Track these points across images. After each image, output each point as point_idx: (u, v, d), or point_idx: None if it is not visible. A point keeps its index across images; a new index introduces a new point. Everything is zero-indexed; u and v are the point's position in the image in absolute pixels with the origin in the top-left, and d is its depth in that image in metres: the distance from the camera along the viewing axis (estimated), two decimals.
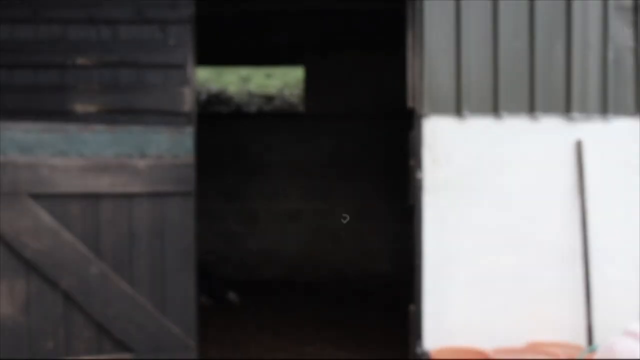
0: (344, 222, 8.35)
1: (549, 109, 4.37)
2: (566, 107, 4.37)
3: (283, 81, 11.31)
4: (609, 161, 4.39)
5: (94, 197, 3.92)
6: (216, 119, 9.11)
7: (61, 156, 3.87)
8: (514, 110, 4.36)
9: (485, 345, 4.26)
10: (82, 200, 3.90)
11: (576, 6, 4.36)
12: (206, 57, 7.12)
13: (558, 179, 4.38)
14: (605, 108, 4.37)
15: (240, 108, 10.53)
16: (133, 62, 4.18)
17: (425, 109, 4.34)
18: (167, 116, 4.16)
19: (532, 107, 4.36)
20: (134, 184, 3.99)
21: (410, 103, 4.39)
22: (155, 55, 4.19)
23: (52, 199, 3.84)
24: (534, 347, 4.26)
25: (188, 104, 4.20)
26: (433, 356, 4.25)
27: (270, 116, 9.95)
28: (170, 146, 4.07)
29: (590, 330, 4.23)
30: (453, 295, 4.37)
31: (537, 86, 4.36)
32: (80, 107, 4.13)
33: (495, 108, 4.35)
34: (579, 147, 4.36)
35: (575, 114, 4.36)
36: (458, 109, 4.34)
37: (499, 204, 4.38)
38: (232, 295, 7.21)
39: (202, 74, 10.77)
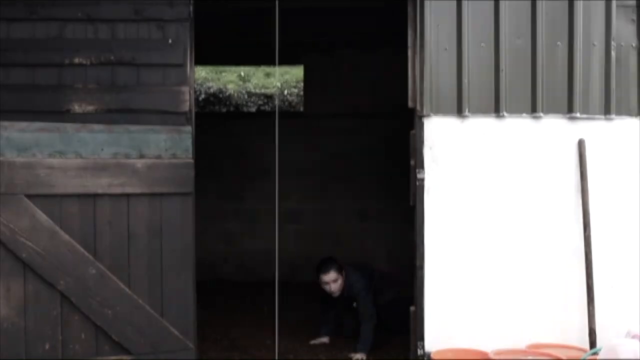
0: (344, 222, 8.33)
1: (551, 109, 4.36)
2: (568, 107, 4.35)
3: (282, 80, 11.29)
4: (611, 161, 4.37)
5: (91, 198, 3.90)
6: (215, 119, 9.08)
7: (58, 156, 3.85)
8: (516, 110, 4.34)
9: (486, 346, 4.24)
10: (80, 201, 3.89)
11: (579, 5, 4.34)
12: (205, 56, 7.09)
13: (560, 179, 4.37)
14: (608, 108, 4.36)
15: (240, 107, 10.51)
16: (131, 61, 4.15)
17: (426, 109, 4.32)
18: (166, 116, 4.14)
19: (534, 107, 4.34)
20: (132, 184, 3.96)
21: (410, 103, 4.37)
22: (154, 54, 4.16)
23: (49, 199, 3.83)
24: (534, 348, 4.24)
25: (187, 103, 4.18)
26: (434, 357, 4.24)
27: (269, 116, 9.91)
28: (169, 146, 4.04)
29: (593, 332, 4.20)
30: (454, 296, 4.35)
31: (539, 85, 4.34)
32: (77, 107, 4.10)
33: (496, 108, 4.33)
34: (581, 147, 4.34)
35: (578, 114, 4.34)
36: (459, 109, 4.32)
37: (501, 204, 4.36)
38: None
39: (201, 73, 10.75)
